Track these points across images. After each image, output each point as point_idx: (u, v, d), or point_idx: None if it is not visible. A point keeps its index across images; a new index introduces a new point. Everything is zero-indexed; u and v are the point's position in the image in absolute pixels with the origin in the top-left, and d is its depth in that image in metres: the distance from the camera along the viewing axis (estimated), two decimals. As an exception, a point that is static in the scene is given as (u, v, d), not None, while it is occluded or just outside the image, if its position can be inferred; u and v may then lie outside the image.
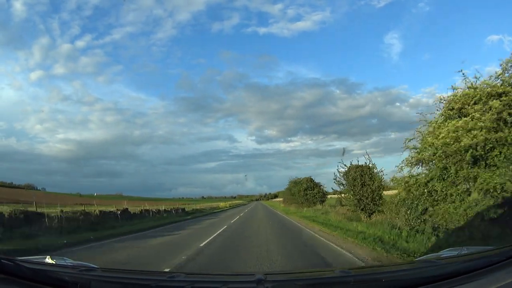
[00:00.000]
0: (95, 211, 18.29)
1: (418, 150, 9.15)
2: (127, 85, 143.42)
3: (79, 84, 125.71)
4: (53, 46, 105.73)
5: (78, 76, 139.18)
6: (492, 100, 7.20)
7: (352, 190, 13.69)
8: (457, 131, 7.42)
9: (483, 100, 7.44)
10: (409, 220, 8.69)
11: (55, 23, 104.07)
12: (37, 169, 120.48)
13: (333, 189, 17.37)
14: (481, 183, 6.88)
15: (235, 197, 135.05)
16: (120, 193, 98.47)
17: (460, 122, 7.45)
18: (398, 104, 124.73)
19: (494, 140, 7.03)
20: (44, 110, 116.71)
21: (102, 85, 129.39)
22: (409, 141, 9.51)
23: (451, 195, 7.57)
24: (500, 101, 7.07)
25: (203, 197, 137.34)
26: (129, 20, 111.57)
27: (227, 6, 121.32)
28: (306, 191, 28.54)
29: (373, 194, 13.07)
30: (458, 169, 7.58)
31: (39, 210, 14.69)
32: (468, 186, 7.48)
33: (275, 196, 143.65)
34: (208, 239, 10.77)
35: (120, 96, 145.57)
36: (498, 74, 7.62)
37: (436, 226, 7.68)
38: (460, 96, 8.03)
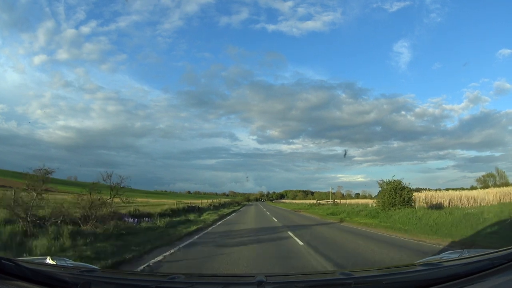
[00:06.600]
0: None
1: None
2: (131, 75, 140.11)
3: (82, 71, 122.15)
4: (58, 30, 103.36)
5: (81, 63, 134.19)
6: None
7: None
8: None
9: None
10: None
11: (61, 7, 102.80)
12: (36, 155, 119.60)
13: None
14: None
15: (227, 195, 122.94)
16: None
17: None
18: (403, 112, 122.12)
19: None
20: (46, 95, 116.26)
21: (105, 74, 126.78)
22: None
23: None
24: None
25: (189, 192, 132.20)
26: (136, 8, 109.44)
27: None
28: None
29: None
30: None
31: None
32: None
33: (282, 196, 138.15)
34: None
35: (122, 86, 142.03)
36: None
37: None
38: None
